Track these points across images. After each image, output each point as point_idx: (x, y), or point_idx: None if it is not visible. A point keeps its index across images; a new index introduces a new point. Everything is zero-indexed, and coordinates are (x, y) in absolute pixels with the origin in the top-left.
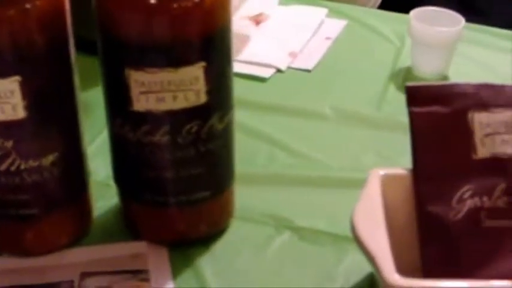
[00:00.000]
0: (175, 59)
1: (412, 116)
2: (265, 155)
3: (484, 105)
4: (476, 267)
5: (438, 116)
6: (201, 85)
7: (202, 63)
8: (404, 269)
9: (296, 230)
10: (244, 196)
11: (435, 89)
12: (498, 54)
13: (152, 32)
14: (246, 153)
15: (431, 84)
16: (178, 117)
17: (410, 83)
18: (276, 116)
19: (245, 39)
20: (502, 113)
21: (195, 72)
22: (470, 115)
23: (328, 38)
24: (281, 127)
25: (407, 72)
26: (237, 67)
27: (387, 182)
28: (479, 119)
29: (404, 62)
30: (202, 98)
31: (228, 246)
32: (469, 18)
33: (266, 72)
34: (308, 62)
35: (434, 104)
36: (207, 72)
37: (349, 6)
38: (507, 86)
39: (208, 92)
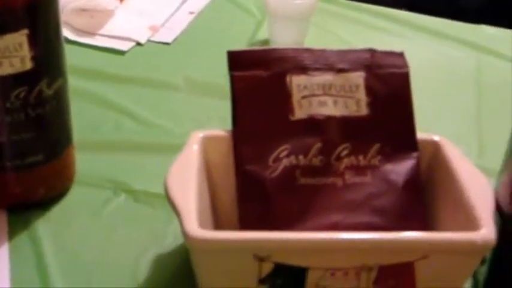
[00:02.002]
0: None
1: (233, 80)
2: (113, 123)
3: (303, 69)
4: (290, 223)
5: (258, 80)
6: (26, 52)
7: (26, 31)
8: (228, 227)
9: (132, 193)
10: (87, 162)
11: (256, 54)
12: (351, 26)
13: None
14: (93, 121)
15: (253, 49)
16: (5, 83)
17: (232, 49)
18: (130, 87)
19: (109, 14)
20: (320, 76)
21: (19, 39)
22: (288, 78)
23: (191, 13)
24: (132, 97)
25: (265, 44)
26: (97, 41)
27: (208, 144)
28: (297, 82)
29: (264, 34)
30: (28, 65)
31: (65, 209)
32: None
33: (124, 46)
34: (168, 35)
35: (255, 68)
36: (31, 39)
37: None
38: (327, 51)
39: (34, 59)
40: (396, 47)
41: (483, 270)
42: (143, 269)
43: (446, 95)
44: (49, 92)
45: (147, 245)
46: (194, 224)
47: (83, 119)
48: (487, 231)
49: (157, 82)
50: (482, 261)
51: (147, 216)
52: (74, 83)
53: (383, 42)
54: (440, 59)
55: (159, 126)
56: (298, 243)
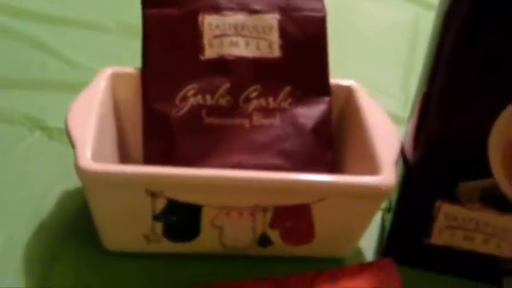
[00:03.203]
0: None
1: (145, 18)
2: (39, 63)
3: (216, 8)
4: (193, 161)
5: (170, 18)
6: None
7: None
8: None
9: (47, 130)
10: (7, 99)
11: None
12: None
13: None
14: (20, 60)
15: None
16: None
17: None
18: (60, 28)
19: None
20: (233, 16)
21: None
22: (200, 17)
23: None
24: (62, 38)
25: None
26: None
27: (117, 81)
28: (209, 21)
29: None
30: None
31: None
32: None
33: None
34: None
35: (168, 6)
36: None
37: None
38: None
39: None
40: None
41: (389, 217)
42: (48, 206)
43: (379, 45)
44: None
45: (55, 182)
46: (87, 156)
47: (8, 57)
48: (385, 177)
49: (88, 23)
50: (389, 209)
51: (60, 153)
52: (2, 21)
53: None
54: (379, 8)
55: (85, 67)
56: (189, 179)
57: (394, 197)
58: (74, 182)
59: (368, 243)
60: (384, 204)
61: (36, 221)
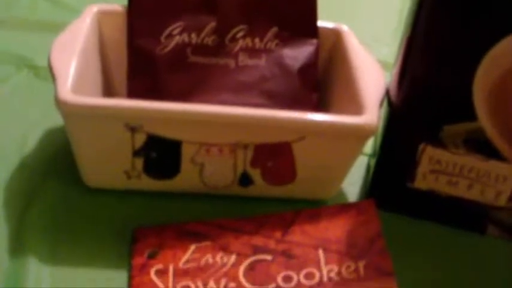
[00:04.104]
0: None
1: None
2: (27, 3)
3: None
4: (177, 99)
5: None
6: None
7: None
8: None
9: (35, 69)
10: None
11: None
12: None
13: None
14: (8, 1)
15: None
16: None
17: None
18: None
19: None
20: None
21: None
22: None
23: None
24: None
25: None
26: None
27: (103, 18)
28: None
29: None
30: None
31: None
32: None
33: None
34: None
35: None
36: None
37: None
38: None
39: None
40: None
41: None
42: (31, 144)
43: None
44: None
45: (40, 120)
46: (67, 88)
47: None
48: (368, 117)
49: None
50: (374, 155)
51: (46, 92)
52: None
53: None
54: None
55: (73, 7)
56: (168, 113)
57: (379, 142)
58: (58, 121)
59: (352, 189)
60: (370, 150)
61: (18, 158)
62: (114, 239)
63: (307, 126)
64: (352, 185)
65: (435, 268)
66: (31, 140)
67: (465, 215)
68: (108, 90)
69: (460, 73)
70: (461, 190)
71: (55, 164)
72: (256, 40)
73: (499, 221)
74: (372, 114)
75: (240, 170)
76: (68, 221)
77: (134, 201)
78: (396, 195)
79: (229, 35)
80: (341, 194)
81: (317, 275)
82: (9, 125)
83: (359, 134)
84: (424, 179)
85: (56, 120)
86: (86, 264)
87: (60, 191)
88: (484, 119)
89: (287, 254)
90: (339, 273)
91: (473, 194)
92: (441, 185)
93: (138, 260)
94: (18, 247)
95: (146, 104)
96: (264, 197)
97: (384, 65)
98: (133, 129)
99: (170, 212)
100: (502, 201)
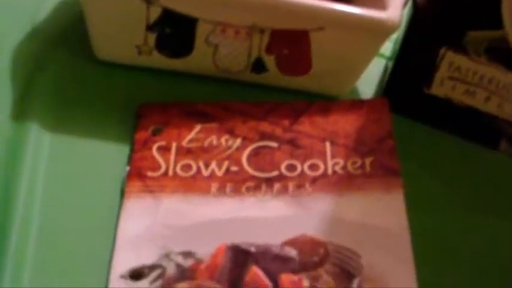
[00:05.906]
0: None
1: None
2: None
3: None
4: None
5: None
6: None
7: None
8: None
9: None
10: None
11: None
12: None
13: None
14: None
15: None
16: None
17: None
18: None
19: None
20: None
21: None
22: None
23: None
24: None
25: None
26: None
27: None
28: None
29: None
30: None
31: None
32: None
33: None
34: None
35: None
36: None
37: None
38: None
39: None
40: None
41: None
42: (44, 12)
43: None
44: None
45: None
46: None
47: None
48: (390, 12)
49: None
50: (392, 57)
51: None
52: None
53: None
54: None
55: None
56: None
57: (398, 44)
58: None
59: (368, 90)
60: (389, 53)
61: (30, 24)
62: (119, 113)
63: (326, 15)
64: (368, 86)
65: (440, 176)
66: (46, 7)
67: (478, 128)
68: None
69: None
70: (478, 101)
71: (67, 34)
72: None
73: None
74: (395, 10)
75: (254, 55)
76: (74, 91)
77: (143, 78)
78: (411, 100)
79: None
80: (355, 93)
81: (322, 167)
82: None
83: (380, 29)
84: (442, 85)
85: None
86: (87, 136)
87: (70, 61)
88: (510, 28)
89: (293, 143)
90: (344, 167)
91: (490, 107)
92: (458, 94)
93: (141, 135)
94: (21, 112)
95: None
96: (276, 87)
97: None
98: (148, 1)
99: (179, 92)
100: None
